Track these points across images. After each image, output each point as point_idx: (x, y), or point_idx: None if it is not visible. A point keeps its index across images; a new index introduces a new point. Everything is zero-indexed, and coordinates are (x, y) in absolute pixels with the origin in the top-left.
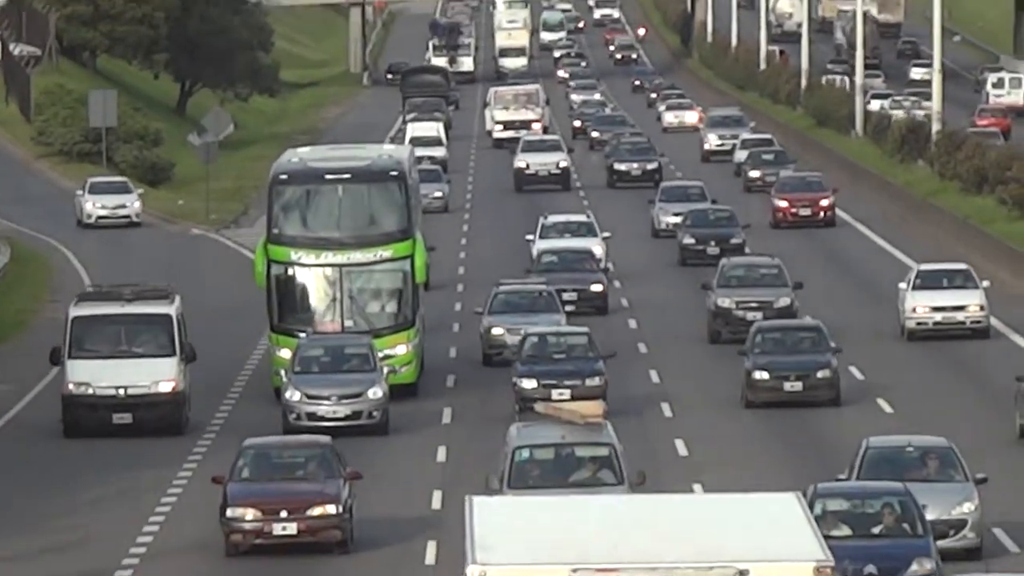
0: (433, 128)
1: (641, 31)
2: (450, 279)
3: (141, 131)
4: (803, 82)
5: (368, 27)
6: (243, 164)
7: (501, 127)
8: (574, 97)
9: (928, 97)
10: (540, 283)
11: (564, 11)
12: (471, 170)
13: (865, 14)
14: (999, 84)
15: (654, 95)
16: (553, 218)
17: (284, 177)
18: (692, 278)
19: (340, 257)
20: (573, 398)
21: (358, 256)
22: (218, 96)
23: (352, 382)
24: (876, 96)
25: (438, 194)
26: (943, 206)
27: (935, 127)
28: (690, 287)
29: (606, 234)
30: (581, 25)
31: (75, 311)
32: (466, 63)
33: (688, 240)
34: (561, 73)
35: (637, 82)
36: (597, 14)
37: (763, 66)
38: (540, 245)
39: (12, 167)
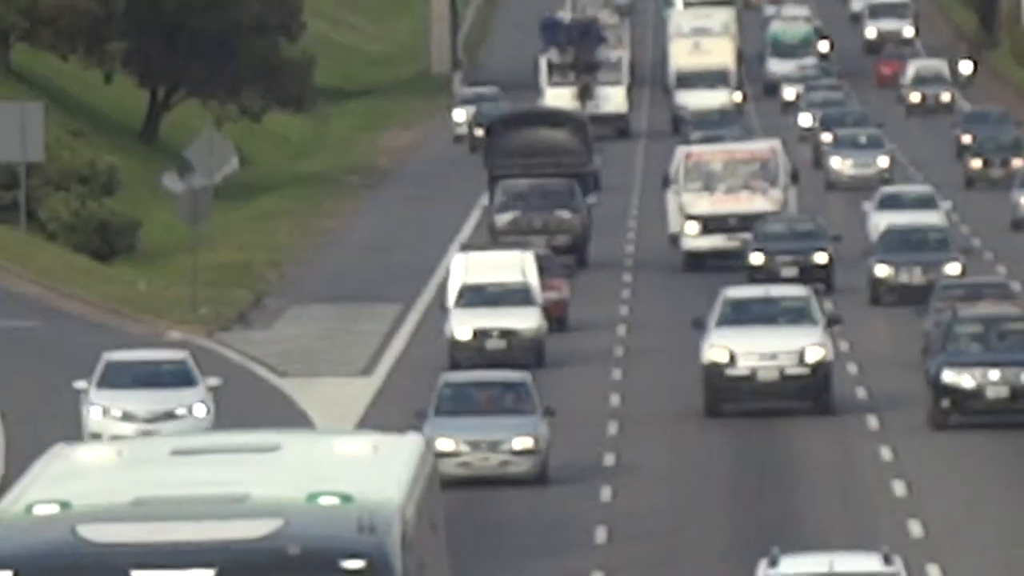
0: (514, 265)
1: (966, 66)
2: None
3: (84, 169)
4: None
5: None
6: (253, 224)
7: (698, 228)
8: (835, 165)
9: None
10: None
11: (805, 19)
12: (619, 353)
13: None
14: None
15: (977, 163)
16: (788, 566)
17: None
18: None
19: None
20: None
21: None
22: (211, 112)
23: None
24: None
25: (525, 443)
26: None
27: None
28: None
29: None
30: (828, 48)
31: None
32: (613, 98)
33: None
34: (803, 119)
35: (967, 138)
36: (871, 30)
37: None
38: None
39: None
